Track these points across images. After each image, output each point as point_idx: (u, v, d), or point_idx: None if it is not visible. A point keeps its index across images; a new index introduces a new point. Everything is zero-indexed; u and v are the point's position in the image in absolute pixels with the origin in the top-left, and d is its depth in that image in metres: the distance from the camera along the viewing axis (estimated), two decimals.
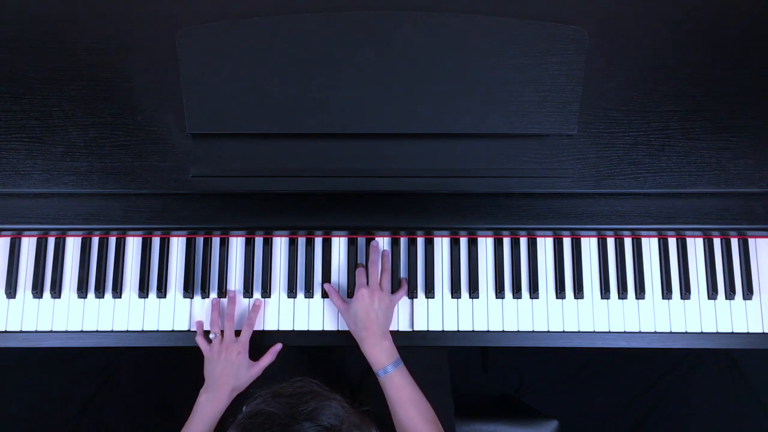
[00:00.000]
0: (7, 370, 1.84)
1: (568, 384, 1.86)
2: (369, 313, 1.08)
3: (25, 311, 1.16)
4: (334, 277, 1.18)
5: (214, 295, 1.17)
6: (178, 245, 1.18)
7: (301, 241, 1.19)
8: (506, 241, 1.19)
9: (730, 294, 1.17)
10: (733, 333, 1.17)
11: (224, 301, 1.16)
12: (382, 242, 1.19)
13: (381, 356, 1.06)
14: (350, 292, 1.17)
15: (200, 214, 1.10)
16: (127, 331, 1.16)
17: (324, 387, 0.82)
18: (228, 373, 1.08)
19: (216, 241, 1.19)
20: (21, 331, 1.16)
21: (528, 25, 1.03)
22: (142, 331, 1.16)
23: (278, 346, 1.15)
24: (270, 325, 1.17)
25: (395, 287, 1.16)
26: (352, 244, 1.18)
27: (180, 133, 1.08)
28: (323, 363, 1.29)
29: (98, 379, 1.82)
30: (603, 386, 1.86)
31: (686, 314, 1.17)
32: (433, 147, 1.08)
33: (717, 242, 1.19)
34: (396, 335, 1.15)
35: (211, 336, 1.13)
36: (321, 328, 1.17)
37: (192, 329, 1.16)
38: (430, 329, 1.16)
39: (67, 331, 1.16)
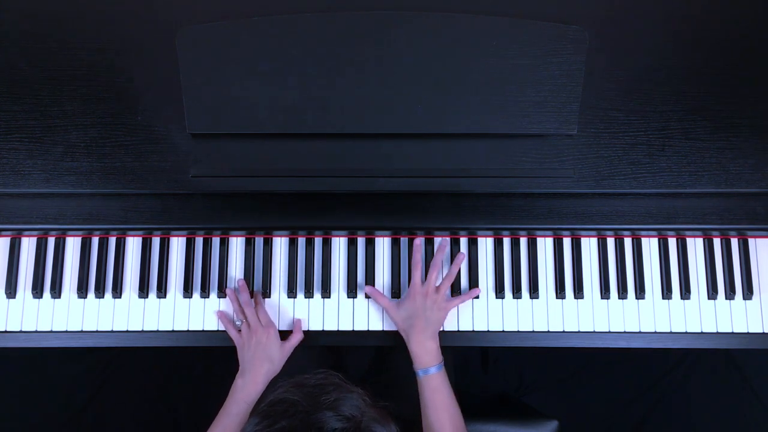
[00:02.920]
0: (8, 370, 1.84)
1: (568, 384, 1.86)
2: (419, 312, 1.08)
3: (25, 311, 1.16)
4: (333, 278, 1.18)
5: (214, 294, 1.17)
6: (178, 245, 1.19)
7: (301, 241, 1.19)
8: (506, 241, 1.19)
9: (730, 294, 1.17)
10: (733, 333, 1.17)
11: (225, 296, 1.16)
12: (383, 243, 1.18)
13: (426, 356, 1.07)
14: (350, 292, 1.17)
15: (200, 214, 1.10)
16: (127, 331, 1.16)
17: (346, 380, 0.82)
18: (261, 356, 1.09)
19: (216, 241, 1.19)
20: (21, 331, 1.16)
21: (528, 25, 1.03)
22: (142, 331, 1.16)
23: (299, 321, 1.15)
24: None
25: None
26: (352, 244, 1.18)
27: (180, 133, 1.08)
28: (324, 362, 1.29)
29: (98, 379, 1.82)
30: (603, 386, 1.86)
31: (686, 314, 1.17)
32: (434, 147, 1.08)
33: (717, 242, 1.19)
34: (396, 335, 1.15)
35: (238, 323, 1.14)
36: (321, 329, 1.17)
37: (191, 329, 1.16)
38: None
39: (67, 331, 1.16)
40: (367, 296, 1.17)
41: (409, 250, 1.18)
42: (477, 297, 1.16)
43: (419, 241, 1.15)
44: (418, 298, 1.09)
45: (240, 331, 1.12)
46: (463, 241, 1.19)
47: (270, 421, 0.74)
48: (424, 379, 1.05)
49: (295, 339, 1.13)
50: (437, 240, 1.18)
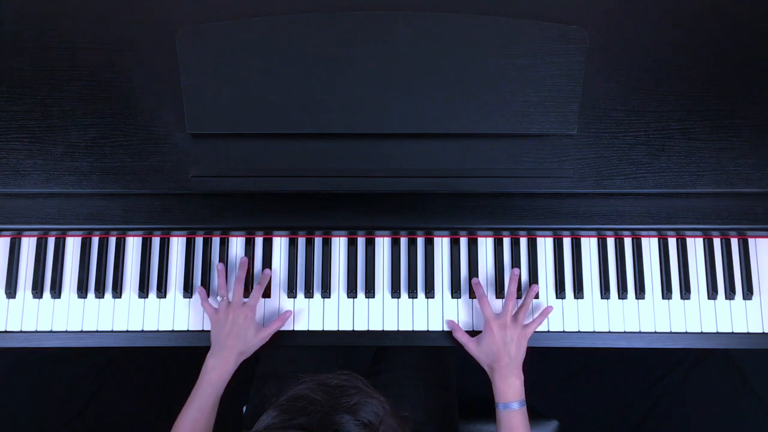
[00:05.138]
0: (7, 370, 1.84)
1: (568, 384, 1.86)
2: (500, 347, 1.07)
3: (25, 311, 1.16)
4: (333, 278, 1.18)
5: (214, 295, 1.17)
6: (178, 245, 1.19)
7: (301, 241, 1.19)
8: (506, 241, 1.19)
9: (730, 294, 1.17)
10: (733, 333, 1.17)
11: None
12: (383, 243, 1.19)
13: (508, 392, 1.06)
14: (350, 292, 1.17)
15: (200, 214, 1.10)
16: (127, 331, 1.16)
17: (368, 385, 0.82)
18: (235, 336, 1.07)
19: (216, 241, 1.19)
20: (21, 331, 1.16)
21: (528, 25, 1.03)
22: (142, 331, 1.16)
23: (288, 313, 1.14)
24: None
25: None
26: (352, 244, 1.18)
27: (180, 133, 1.08)
28: (324, 362, 1.29)
29: (98, 379, 1.82)
30: (603, 386, 1.86)
31: (686, 314, 1.17)
32: (433, 147, 1.08)
33: (717, 242, 1.19)
34: (396, 335, 1.15)
35: (218, 299, 1.13)
36: (321, 329, 1.17)
37: (192, 329, 1.16)
38: (430, 329, 1.16)
39: (67, 331, 1.16)
40: (367, 296, 1.17)
41: (409, 250, 1.18)
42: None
43: (477, 280, 1.15)
44: (496, 332, 1.08)
45: (217, 309, 1.11)
46: (463, 241, 1.19)
47: (288, 416, 0.74)
48: (504, 414, 1.05)
49: (274, 327, 1.12)
50: (437, 240, 1.18)
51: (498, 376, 1.07)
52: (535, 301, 1.17)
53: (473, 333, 1.14)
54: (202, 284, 1.16)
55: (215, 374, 1.05)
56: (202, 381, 1.06)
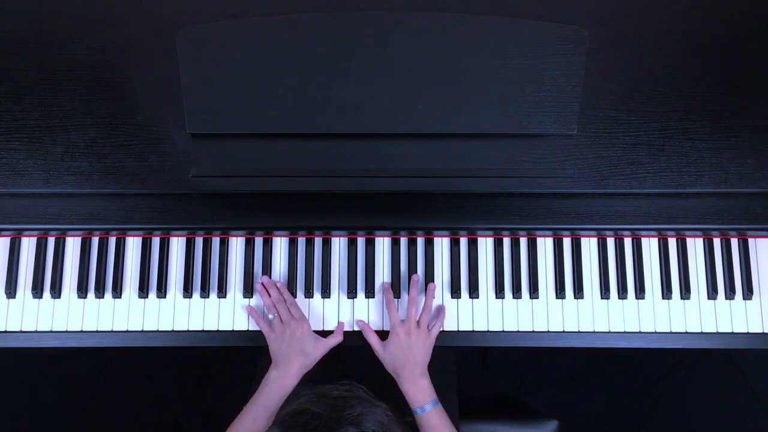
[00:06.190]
0: (7, 370, 1.84)
1: (568, 384, 1.86)
2: (406, 353, 1.08)
3: (25, 311, 1.16)
4: (333, 278, 1.18)
5: (213, 294, 1.17)
6: (178, 245, 1.19)
7: (301, 241, 1.19)
8: (506, 241, 1.19)
9: (730, 294, 1.17)
10: (733, 333, 1.17)
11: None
12: (383, 243, 1.19)
13: (418, 395, 1.06)
14: (350, 292, 1.17)
15: (200, 214, 1.10)
16: (127, 331, 1.16)
17: (370, 394, 0.81)
18: (295, 349, 1.08)
19: (216, 241, 1.19)
20: (21, 331, 1.16)
21: (528, 25, 1.03)
22: (142, 331, 1.16)
23: (342, 325, 1.15)
24: None
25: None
26: (351, 244, 1.18)
27: (180, 133, 1.08)
28: (326, 363, 1.29)
29: (98, 379, 1.82)
30: (603, 386, 1.86)
31: (686, 314, 1.17)
32: (433, 147, 1.08)
33: (717, 242, 1.19)
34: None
35: (271, 317, 1.13)
36: (321, 329, 1.17)
37: (191, 329, 1.16)
38: None
39: (67, 331, 1.16)
40: (367, 296, 1.17)
41: (409, 250, 1.18)
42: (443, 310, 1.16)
43: (387, 284, 1.15)
44: (402, 338, 1.09)
45: (271, 324, 1.12)
46: (463, 241, 1.19)
47: None
48: (422, 418, 1.05)
49: (334, 340, 1.13)
50: (437, 240, 1.18)
51: (405, 382, 1.07)
52: (437, 302, 1.17)
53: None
54: (202, 285, 1.17)
55: (276, 386, 1.06)
56: (262, 392, 1.06)
